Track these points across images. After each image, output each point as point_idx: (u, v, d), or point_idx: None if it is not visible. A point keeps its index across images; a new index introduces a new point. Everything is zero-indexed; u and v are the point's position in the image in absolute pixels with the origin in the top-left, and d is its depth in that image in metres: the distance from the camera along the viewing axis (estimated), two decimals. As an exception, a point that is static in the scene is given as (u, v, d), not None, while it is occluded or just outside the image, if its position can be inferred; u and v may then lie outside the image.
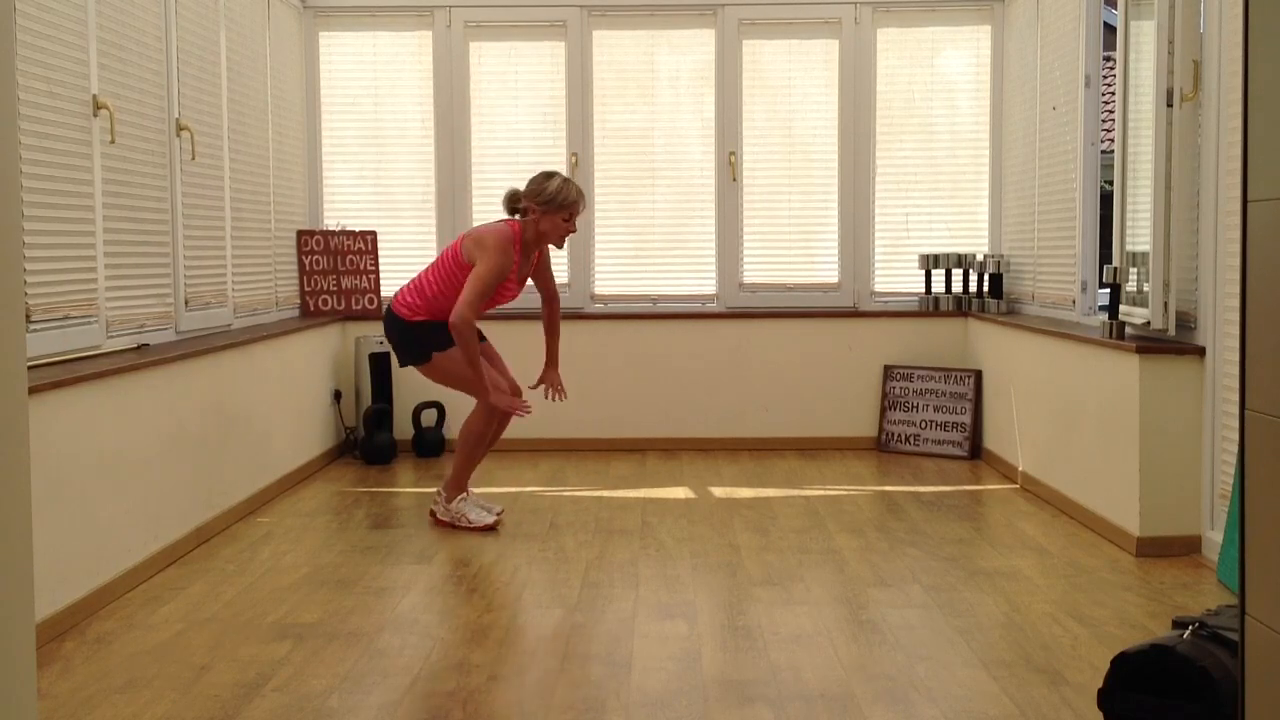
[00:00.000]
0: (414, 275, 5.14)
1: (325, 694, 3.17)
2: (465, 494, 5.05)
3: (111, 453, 4.06)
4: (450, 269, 4.94)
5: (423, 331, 4.97)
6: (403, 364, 5.12)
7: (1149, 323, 4.54)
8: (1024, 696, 3.12)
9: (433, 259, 6.57)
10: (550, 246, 5.11)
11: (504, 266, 4.85)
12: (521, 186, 4.96)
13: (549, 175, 4.96)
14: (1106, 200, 5.26)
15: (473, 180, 6.96)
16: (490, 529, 4.98)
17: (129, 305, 4.63)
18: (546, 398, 5.28)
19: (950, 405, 6.70)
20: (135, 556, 4.19)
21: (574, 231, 5.01)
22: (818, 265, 7.02)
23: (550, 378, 5.27)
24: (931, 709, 3.05)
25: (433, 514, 5.11)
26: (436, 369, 5.00)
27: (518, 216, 4.99)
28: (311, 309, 6.83)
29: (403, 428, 6.79)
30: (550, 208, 4.89)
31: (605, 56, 6.94)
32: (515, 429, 5.83)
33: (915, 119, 6.98)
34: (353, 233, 6.85)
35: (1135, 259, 4.77)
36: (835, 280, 6.98)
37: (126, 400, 4.18)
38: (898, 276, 7.01)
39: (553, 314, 5.28)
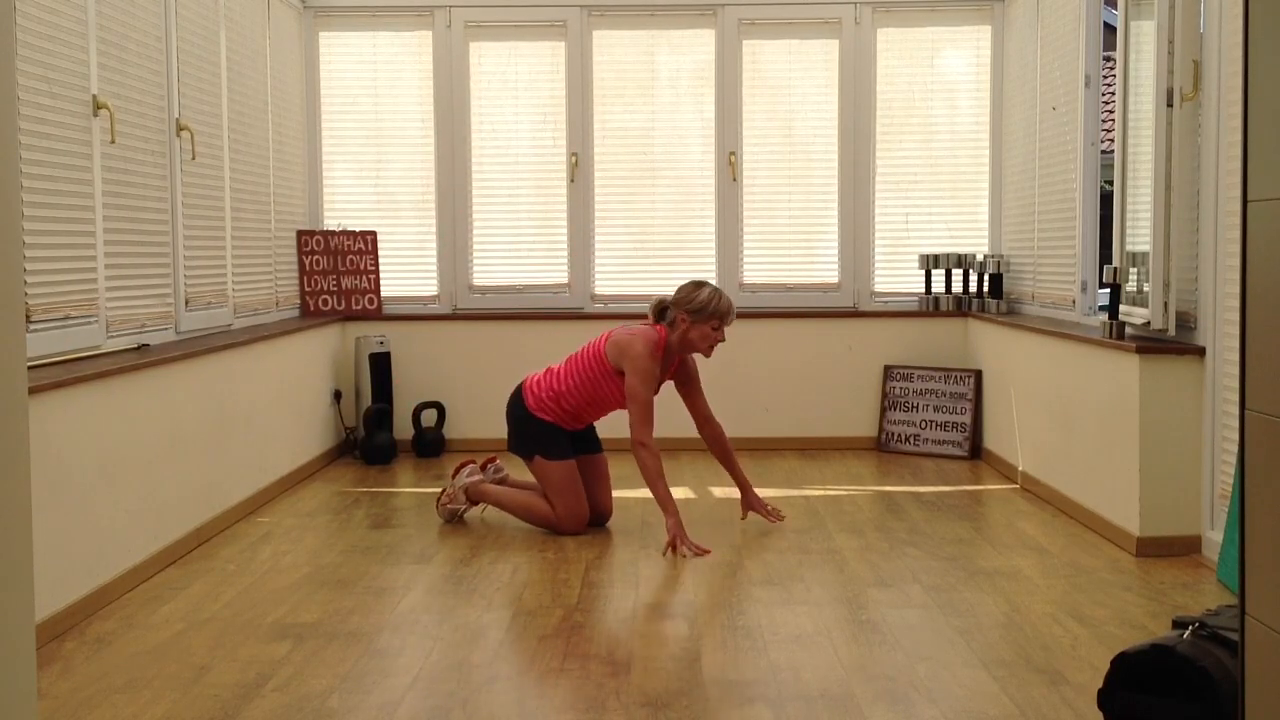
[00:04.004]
0: (549, 365, 5.06)
1: (325, 694, 3.17)
2: (469, 506, 5.12)
3: (111, 453, 4.06)
4: (590, 367, 4.88)
5: (540, 432, 4.93)
6: (510, 448, 5.06)
7: (1149, 323, 4.54)
8: (1024, 696, 3.12)
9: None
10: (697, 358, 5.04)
11: (654, 375, 4.80)
12: (668, 294, 4.90)
13: (699, 284, 4.88)
14: (1106, 200, 5.25)
15: (473, 180, 6.96)
16: (444, 519, 5.12)
17: (129, 305, 4.63)
18: (770, 520, 5.03)
19: (950, 405, 6.70)
20: (135, 556, 4.19)
21: (723, 340, 4.89)
22: (818, 265, 7.02)
23: (754, 503, 5.05)
24: (931, 709, 3.05)
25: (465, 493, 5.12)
26: (536, 470, 4.97)
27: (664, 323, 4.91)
28: (311, 309, 6.83)
29: (403, 428, 6.79)
30: (700, 317, 4.81)
31: (605, 56, 6.94)
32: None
33: (915, 119, 6.98)
34: (353, 233, 6.85)
35: (1135, 259, 4.76)
36: (835, 280, 6.98)
37: (126, 400, 4.18)
38: (898, 276, 7.01)
39: (718, 437, 5.09)
